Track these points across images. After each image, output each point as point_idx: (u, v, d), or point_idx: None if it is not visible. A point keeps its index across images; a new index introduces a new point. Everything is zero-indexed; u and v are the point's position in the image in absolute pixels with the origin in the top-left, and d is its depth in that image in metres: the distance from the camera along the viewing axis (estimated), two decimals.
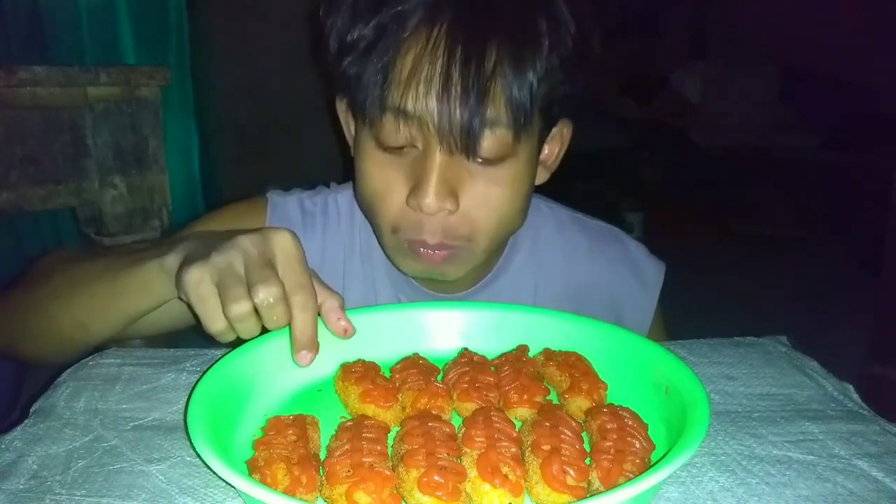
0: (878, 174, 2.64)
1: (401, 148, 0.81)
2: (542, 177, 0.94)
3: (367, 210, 0.89)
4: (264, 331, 0.68)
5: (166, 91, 1.78)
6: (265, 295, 0.63)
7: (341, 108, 0.96)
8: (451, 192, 0.80)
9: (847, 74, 4.24)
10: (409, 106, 0.78)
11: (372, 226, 0.92)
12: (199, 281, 0.65)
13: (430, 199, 0.78)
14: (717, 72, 4.62)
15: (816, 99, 4.35)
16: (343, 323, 0.71)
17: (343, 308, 0.71)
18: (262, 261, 0.65)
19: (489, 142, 0.79)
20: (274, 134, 3.05)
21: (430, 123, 0.78)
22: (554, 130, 0.92)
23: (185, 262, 0.68)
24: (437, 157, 0.79)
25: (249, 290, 0.63)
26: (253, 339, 0.68)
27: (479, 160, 0.80)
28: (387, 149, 0.82)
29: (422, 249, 0.84)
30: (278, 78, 3.00)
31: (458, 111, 0.76)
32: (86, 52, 2.08)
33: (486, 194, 0.82)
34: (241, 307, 0.63)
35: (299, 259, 0.68)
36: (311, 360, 0.68)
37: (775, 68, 4.56)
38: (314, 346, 0.68)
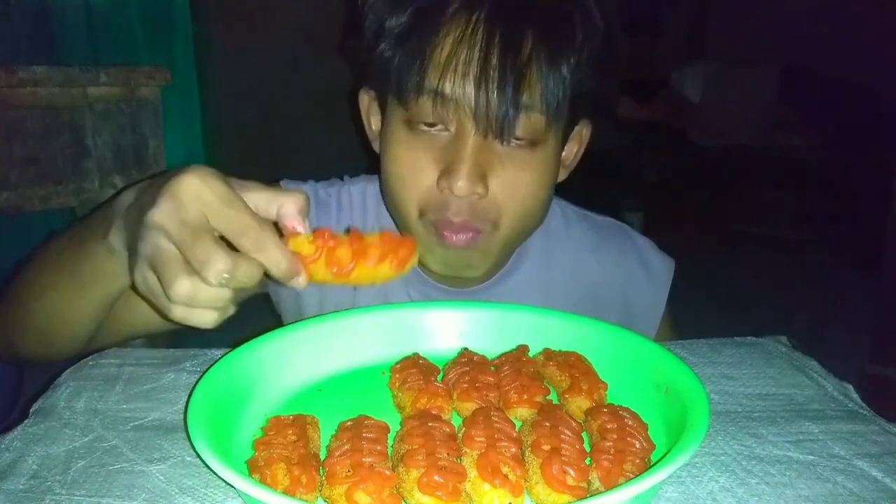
0: (878, 174, 2.64)
1: (432, 126, 0.82)
2: (560, 175, 0.95)
3: (394, 196, 0.88)
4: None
5: (170, 91, 1.78)
6: (216, 276, 0.55)
7: (364, 101, 0.96)
8: (482, 176, 0.81)
9: (847, 74, 4.24)
10: (447, 89, 0.79)
11: (396, 215, 0.91)
12: (143, 283, 0.60)
13: (463, 181, 0.79)
14: (716, 72, 4.61)
15: (816, 99, 4.35)
16: (298, 227, 0.61)
17: (303, 210, 0.62)
18: (190, 232, 0.56)
19: (523, 127, 0.81)
20: (274, 134, 3.05)
21: (467, 107, 0.79)
22: (574, 129, 0.93)
23: (130, 257, 0.64)
24: (471, 141, 0.80)
25: (199, 274, 0.56)
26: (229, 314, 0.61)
27: (512, 145, 0.82)
28: (417, 130, 0.83)
29: (446, 233, 0.84)
30: (279, 79, 3.00)
31: (495, 96, 0.78)
32: (90, 53, 2.08)
33: (515, 179, 0.83)
34: (180, 287, 0.56)
35: (223, 200, 0.57)
36: (306, 281, 0.61)
37: (775, 68, 4.56)
38: (297, 268, 0.60)
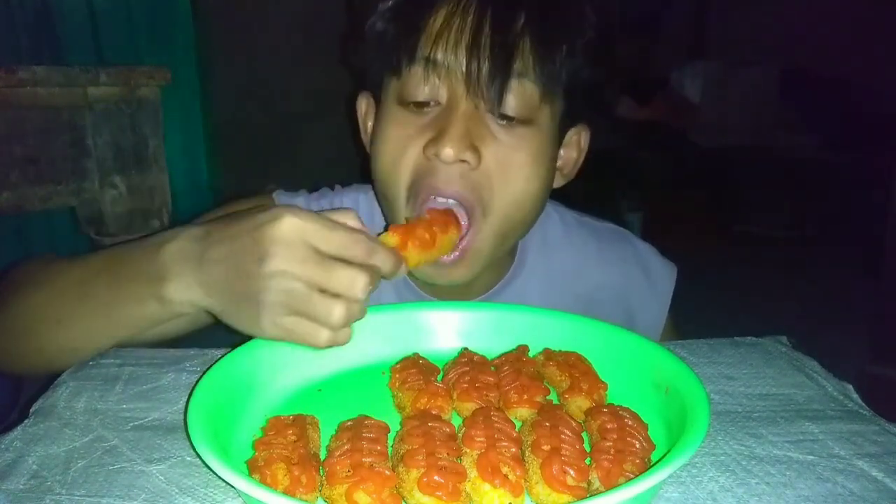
0: (878, 174, 2.64)
1: (425, 104, 0.82)
2: (557, 181, 0.94)
3: (384, 180, 0.87)
4: None
5: (172, 91, 1.78)
6: (365, 290, 0.64)
7: (362, 106, 0.97)
8: (472, 147, 0.80)
9: (847, 74, 4.24)
10: (439, 56, 0.80)
11: (387, 208, 0.90)
12: (281, 328, 0.65)
13: (450, 146, 0.79)
14: (717, 72, 4.62)
15: (816, 99, 4.35)
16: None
17: (360, 219, 0.70)
18: (317, 266, 0.63)
19: (515, 96, 0.81)
20: (274, 134, 3.05)
21: (458, 73, 0.80)
22: (572, 133, 0.93)
23: (234, 309, 0.67)
24: (461, 108, 0.81)
25: (345, 295, 0.64)
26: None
27: (504, 118, 0.81)
28: (410, 107, 0.83)
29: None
30: (280, 78, 3.00)
31: (486, 61, 0.78)
32: (92, 52, 2.08)
33: (508, 158, 0.82)
34: (338, 312, 0.64)
35: (325, 226, 0.64)
36: (407, 268, 0.71)
37: (775, 68, 4.56)
38: (401, 259, 0.70)
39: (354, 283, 0.64)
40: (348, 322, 0.65)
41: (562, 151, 0.93)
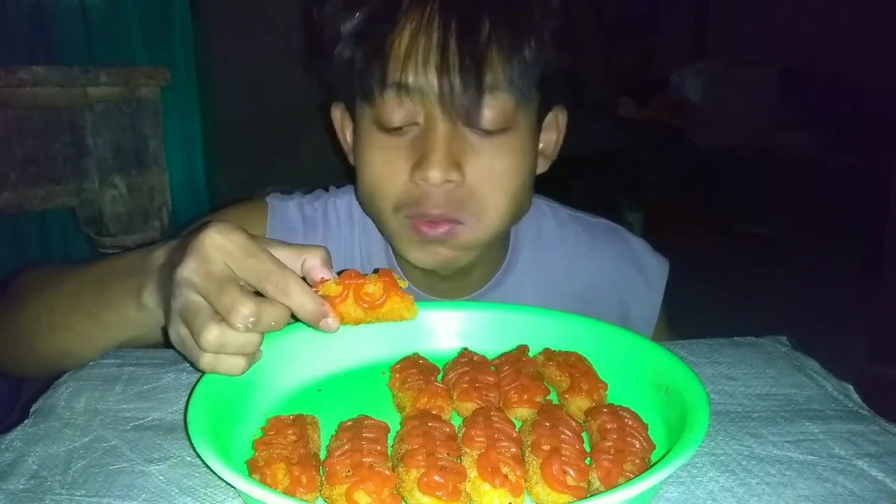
0: (878, 174, 2.64)
1: (401, 127, 0.82)
2: (542, 166, 0.94)
3: (370, 199, 0.87)
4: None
5: (171, 92, 1.78)
6: (243, 320, 0.59)
7: (336, 114, 0.96)
8: (456, 165, 0.80)
9: (847, 74, 4.24)
10: (410, 80, 0.79)
11: (374, 218, 0.91)
12: (178, 338, 0.63)
13: (436, 169, 0.78)
14: (717, 72, 4.62)
15: (816, 99, 4.35)
16: (326, 276, 0.65)
17: (326, 261, 0.66)
18: (215, 282, 0.60)
19: (490, 110, 0.80)
20: (274, 134, 3.05)
21: (432, 95, 0.79)
22: (549, 117, 0.93)
23: (165, 315, 0.66)
24: (440, 129, 0.80)
25: (226, 320, 0.59)
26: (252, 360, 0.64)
27: (482, 131, 0.81)
28: (388, 130, 0.82)
29: (423, 228, 0.83)
30: (279, 79, 3.00)
31: (458, 79, 0.77)
32: (87, 54, 2.08)
33: (491, 167, 0.82)
34: (209, 334, 0.59)
35: (245, 250, 0.61)
36: (337, 323, 0.63)
37: (775, 68, 4.56)
38: (324, 309, 0.62)
39: (234, 308, 0.58)
40: (221, 350, 0.60)
41: (542, 136, 0.93)
